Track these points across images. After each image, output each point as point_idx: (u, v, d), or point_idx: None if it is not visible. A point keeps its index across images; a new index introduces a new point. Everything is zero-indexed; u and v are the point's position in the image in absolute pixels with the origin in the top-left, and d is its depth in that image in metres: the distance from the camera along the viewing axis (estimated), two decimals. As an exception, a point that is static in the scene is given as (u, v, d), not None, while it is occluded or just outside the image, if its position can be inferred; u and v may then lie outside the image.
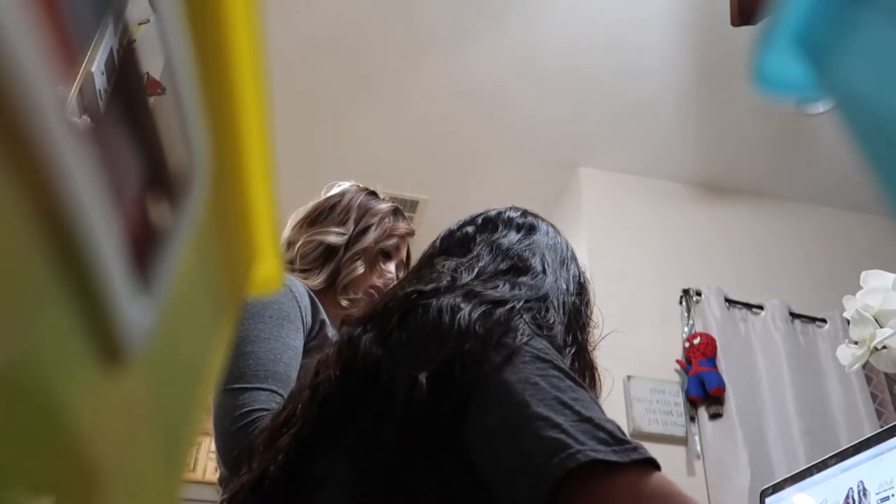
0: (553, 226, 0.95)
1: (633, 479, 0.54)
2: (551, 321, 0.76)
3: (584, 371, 0.83)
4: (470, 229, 0.89)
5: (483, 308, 0.69)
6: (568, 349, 0.79)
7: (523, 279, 0.79)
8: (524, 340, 0.66)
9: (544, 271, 0.82)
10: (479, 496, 0.61)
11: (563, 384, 0.61)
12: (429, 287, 0.75)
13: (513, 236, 0.87)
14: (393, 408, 0.64)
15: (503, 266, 0.81)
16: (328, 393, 0.70)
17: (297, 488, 0.68)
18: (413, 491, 0.62)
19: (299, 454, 0.69)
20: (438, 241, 0.91)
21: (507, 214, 0.92)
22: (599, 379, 0.86)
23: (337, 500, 0.66)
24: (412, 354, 0.67)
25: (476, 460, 0.61)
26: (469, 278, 0.78)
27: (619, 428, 0.58)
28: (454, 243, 0.88)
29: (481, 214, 0.93)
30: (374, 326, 0.73)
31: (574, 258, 0.91)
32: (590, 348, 0.86)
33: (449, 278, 0.78)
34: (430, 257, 0.89)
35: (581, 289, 0.88)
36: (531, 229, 0.89)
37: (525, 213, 0.93)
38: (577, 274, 0.89)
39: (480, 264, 0.81)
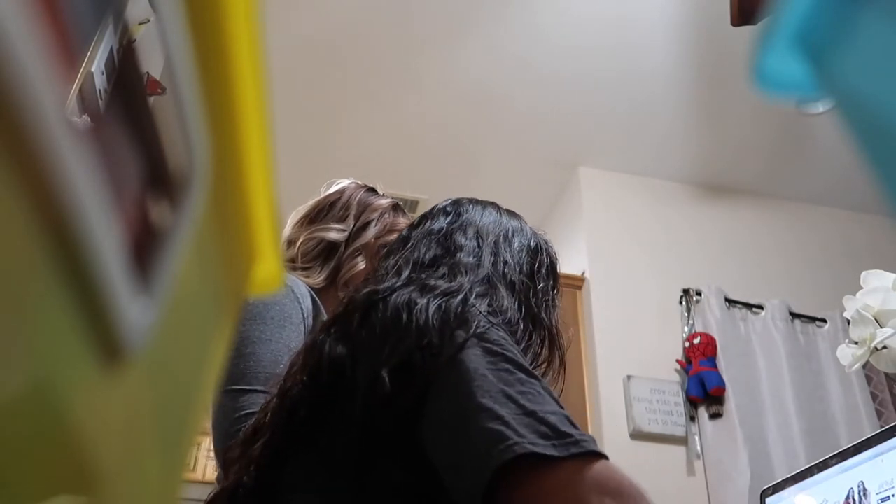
0: (494, 204, 0.94)
1: (571, 472, 0.53)
2: (503, 304, 0.76)
3: (545, 338, 0.83)
4: (406, 230, 0.92)
5: (438, 301, 0.70)
6: (523, 323, 0.78)
7: (461, 258, 0.80)
8: (477, 332, 0.66)
9: (479, 246, 0.82)
10: (441, 485, 0.61)
11: (512, 377, 0.61)
12: (382, 285, 0.76)
13: (442, 220, 0.88)
14: (356, 403, 0.65)
15: (437, 250, 0.82)
16: (298, 399, 0.71)
17: (271, 494, 0.69)
18: (379, 480, 0.63)
19: (271, 462, 0.70)
20: (385, 248, 0.95)
21: (438, 206, 0.93)
22: (562, 341, 0.86)
23: (310, 498, 0.67)
24: (373, 351, 0.68)
25: (428, 450, 0.62)
26: (411, 270, 0.79)
27: (566, 420, 0.57)
28: (395, 244, 0.90)
29: (420, 214, 0.94)
30: (338, 329, 0.74)
31: (519, 229, 0.90)
32: (549, 312, 0.85)
33: (395, 274, 0.79)
34: (377, 262, 0.92)
35: (534, 254, 0.87)
36: (460, 212, 0.90)
37: (457, 200, 0.94)
38: (526, 242, 0.88)
39: (416, 255, 0.82)
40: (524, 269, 0.84)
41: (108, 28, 0.25)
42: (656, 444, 2.49)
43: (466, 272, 0.77)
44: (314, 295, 1.15)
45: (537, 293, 0.84)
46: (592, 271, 2.84)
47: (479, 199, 0.95)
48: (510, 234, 0.88)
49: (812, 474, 1.07)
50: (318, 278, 1.20)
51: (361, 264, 1.23)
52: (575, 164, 3.10)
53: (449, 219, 0.88)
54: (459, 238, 0.84)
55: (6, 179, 0.16)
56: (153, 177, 0.23)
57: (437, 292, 0.71)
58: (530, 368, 0.64)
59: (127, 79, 0.25)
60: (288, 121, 2.81)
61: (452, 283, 0.74)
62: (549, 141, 2.99)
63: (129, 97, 0.25)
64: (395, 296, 0.72)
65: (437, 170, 3.12)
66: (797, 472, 1.12)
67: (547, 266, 0.89)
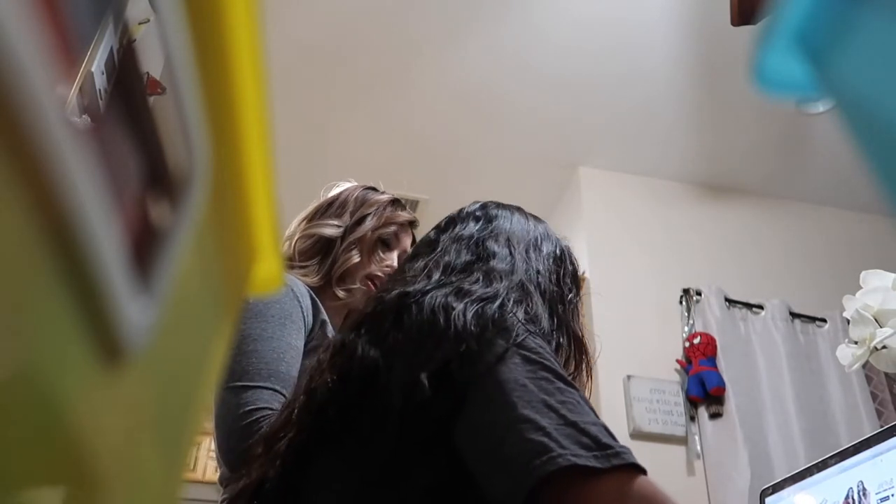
0: (520, 210, 0.95)
1: (614, 484, 0.54)
2: (538, 312, 0.76)
3: (573, 346, 0.83)
4: (433, 232, 0.92)
5: (476, 307, 0.70)
6: (554, 332, 0.79)
7: (494, 265, 0.80)
8: (517, 341, 0.66)
9: (511, 255, 0.83)
10: (471, 488, 0.62)
11: (552, 386, 0.62)
12: (413, 287, 0.76)
13: (472, 227, 0.88)
14: (390, 406, 0.65)
15: (468, 256, 0.82)
16: (326, 398, 0.71)
17: (296, 492, 0.69)
18: (408, 482, 0.64)
19: (297, 459, 0.70)
20: (412, 247, 0.95)
21: (466, 210, 0.94)
22: (587, 350, 0.86)
23: (336, 499, 0.67)
24: (409, 354, 0.68)
25: (464, 456, 0.63)
26: (442, 273, 0.79)
27: (605, 431, 0.58)
28: (421, 246, 0.91)
29: (446, 217, 0.95)
30: (368, 330, 0.73)
31: (546, 235, 0.90)
32: (575, 321, 0.86)
33: (425, 276, 0.79)
34: (402, 263, 0.92)
35: (559, 262, 0.88)
36: (490, 218, 0.90)
37: (484, 205, 0.94)
38: (553, 249, 0.89)
39: (447, 259, 0.82)
40: (552, 277, 0.85)
41: (108, 28, 0.25)
42: (656, 444, 2.49)
43: (501, 278, 0.77)
44: (313, 294, 1.15)
45: (565, 302, 0.85)
46: (592, 271, 2.83)
47: (504, 203, 0.96)
48: (539, 241, 0.88)
49: (812, 474, 1.07)
50: (316, 277, 1.20)
51: (356, 257, 1.21)
52: (575, 164, 3.10)
53: (479, 224, 0.89)
54: (492, 245, 0.84)
55: (6, 179, 0.16)
56: (153, 177, 0.23)
57: (473, 297, 0.71)
58: (567, 377, 0.65)
59: (127, 79, 0.25)
60: (288, 121, 2.81)
61: (488, 289, 0.74)
62: (549, 141, 2.99)
63: (129, 97, 0.25)
64: (428, 297, 0.72)
65: (438, 170, 3.12)
66: (797, 471, 1.12)
67: (571, 274, 0.90)
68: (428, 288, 0.75)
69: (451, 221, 0.92)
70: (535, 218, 0.94)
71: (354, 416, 0.69)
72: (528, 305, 0.75)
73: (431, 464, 0.64)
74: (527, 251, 0.85)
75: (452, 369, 0.64)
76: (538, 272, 0.83)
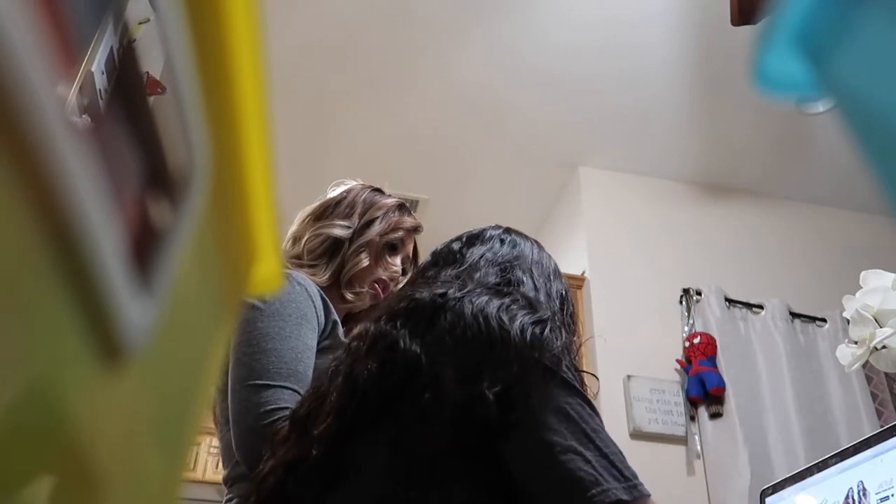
0: (536, 242, 1.00)
1: None
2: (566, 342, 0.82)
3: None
4: (456, 245, 0.96)
5: (530, 329, 0.75)
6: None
7: (526, 292, 0.84)
8: (560, 365, 0.73)
9: (535, 288, 0.88)
10: (507, 499, 0.69)
11: (585, 412, 0.71)
12: (450, 290, 0.80)
13: (498, 248, 0.94)
14: (442, 407, 0.70)
15: (496, 278, 0.87)
16: (368, 383, 0.75)
17: (335, 472, 0.73)
18: (449, 485, 0.69)
19: (338, 440, 0.74)
20: (430, 255, 0.99)
21: (489, 232, 0.99)
22: (586, 384, 0.92)
23: (376, 486, 0.71)
24: (459, 356, 0.72)
25: (515, 474, 0.69)
26: (475, 286, 0.83)
27: (623, 460, 0.69)
28: (443, 256, 0.95)
29: (466, 233, 1.00)
30: (405, 325, 0.77)
31: (557, 273, 0.96)
32: (574, 355, 0.92)
33: (459, 285, 0.83)
34: (423, 269, 0.96)
35: (564, 301, 0.93)
36: (514, 244, 0.95)
37: (507, 230, 1.00)
38: (561, 289, 0.94)
39: (477, 274, 0.87)
40: (560, 312, 0.90)
41: (108, 28, 0.25)
42: (656, 444, 2.49)
43: (540, 306, 0.82)
44: (323, 294, 1.15)
45: (567, 334, 0.89)
46: (592, 271, 2.83)
47: (524, 233, 1.01)
48: (552, 278, 0.93)
49: (812, 474, 1.07)
50: (324, 276, 1.20)
51: (365, 261, 1.22)
52: (575, 164, 3.10)
53: (504, 249, 0.93)
54: (518, 273, 0.89)
55: (6, 179, 0.16)
56: (153, 177, 0.23)
57: (524, 318, 0.76)
58: (589, 399, 0.74)
59: (127, 79, 0.25)
60: (289, 122, 2.81)
61: (535, 314, 0.78)
62: (549, 141, 2.99)
63: (129, 97, 0.25)
64: (466, 303, 0.77)
65: (439, 170, 3.12)
66: (797, 471, 1.12)
67: (571, 314, 0.95)
68: (463, 295, 0.79)
69: (475, 238, 0.97)
70: (548, 254, 0.99)
71: (395, 404, 0.73)
72: (565, 333, 0.81)
73: (471, 472, 0.69)
74: (546, 286, 0.90)
75: (513, 392, 0.70)
76: (554, 308, 0.88)
